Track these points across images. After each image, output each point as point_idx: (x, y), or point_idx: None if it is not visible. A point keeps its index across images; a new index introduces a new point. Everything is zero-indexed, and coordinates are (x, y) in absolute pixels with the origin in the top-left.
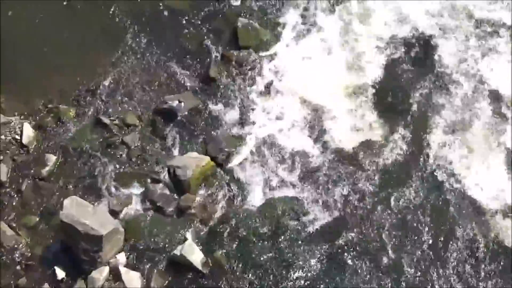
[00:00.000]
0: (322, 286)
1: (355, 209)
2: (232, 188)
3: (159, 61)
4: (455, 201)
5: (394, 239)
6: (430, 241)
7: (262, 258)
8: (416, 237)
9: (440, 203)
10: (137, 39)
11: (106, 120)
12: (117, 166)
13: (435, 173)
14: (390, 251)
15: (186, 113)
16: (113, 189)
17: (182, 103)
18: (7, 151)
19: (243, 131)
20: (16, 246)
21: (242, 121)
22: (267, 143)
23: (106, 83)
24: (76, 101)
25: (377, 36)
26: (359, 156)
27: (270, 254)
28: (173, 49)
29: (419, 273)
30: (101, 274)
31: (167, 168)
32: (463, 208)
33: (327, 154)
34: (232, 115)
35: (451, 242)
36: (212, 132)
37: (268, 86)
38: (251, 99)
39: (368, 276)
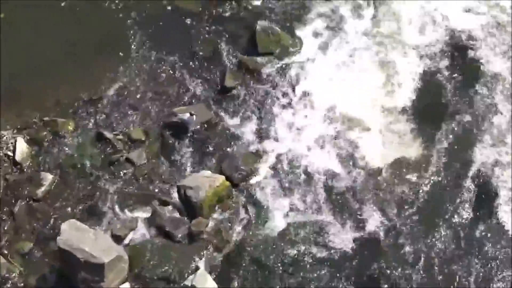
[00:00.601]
0: None
1: (387, 236)
2: (249, 211)
3: (168, 69)
4: (504, 232)
5: (431, 275)
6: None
7: None
8: (455, 274)
9: (486, 233)
10: (144, 45)
11: (109, 135)
12: (121, 186)
13: (480, 195)
14: None
15: (198, 127)
16: (116, 212)
17: (194, 116)
18: None
19: (263, 147)
20: (8, 275)
21: (261, 136)
22: (289, 161)
23: (110, 93)
24: (76, 113)
25: (410, 42)
26: (393, 176)
27: (293, 285)
28: (184, 56)
29: None
30: None
31: (176, 189)
32: None
33: (357, 173)
34: (250, 129)
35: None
36: (228, 149)
37: (290, 98)
38: (271, 112)
39: None
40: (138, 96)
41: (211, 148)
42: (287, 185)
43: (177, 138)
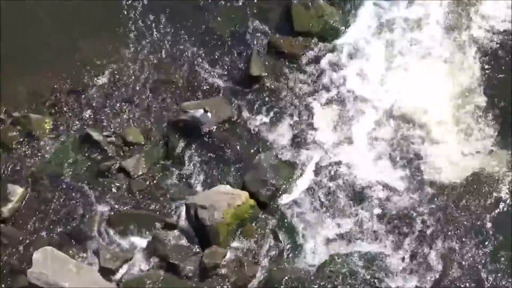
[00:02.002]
0: None
1: (462, 273)
2: (280, 238)
3: (177, 52)
4: None
5: None
6: None
7: None
8: None
9: None
10: (146, 21)
11: (97, 137)
12: (113, 203)
13: None
14: None
15: (215, 127)
16: (106, 237)
17: (209, 113)
18: None
19: (298, 155)
20: None
21: (297, 141)
22: (333, 173)
23: (100, 82)
24: (55, 107)
25: (489, 25)
26: (469, 194)
27: None
28: (197, 35)
29: None
30: None
31: (185, 208)
32: None
33: (421, 190)
34: (282, 131)
35: None
36: (253, 156)
37: (336, 91)
38: (310, 109)
39: None
40: (136, 86)
41: (231, 156)
42: (329, 204)
43: (186, 142)
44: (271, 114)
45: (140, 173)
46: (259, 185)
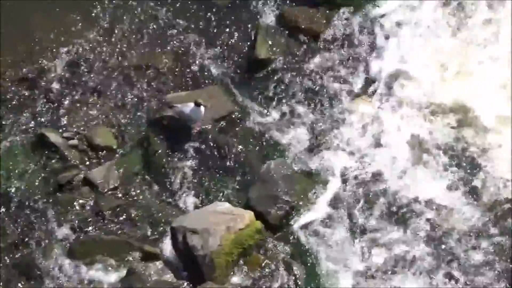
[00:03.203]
0: None
1: None
2: (295, 271)
3: (160, 28)
4: None
5: None
6: None
7: None
8: None
9: None
10: None
11: (55, 139)
12: (76, 225)
13: None
14: None
15: (209, 126)
16: (67, 271)
17: (202, 108)
18: None
19: (318, 163)
20: None
21: (317, 145)
22: (365, 187)
23: (59, 67)
24: None
25: None
26: None
27: None
28: (188, 8)
29: None
30: None
31: (171, 233)
32: None
33: (480, 208)
34: (297, 132)
35: None
36: (260, 165)
37: (370, 80)
38: (334, 103)
39: None
40: (107, 73)
41: (231, 164)
42: (360, 227)
43: (172, 146)
44: (283, 108)
45: (111, 186)
46: (268, 202)
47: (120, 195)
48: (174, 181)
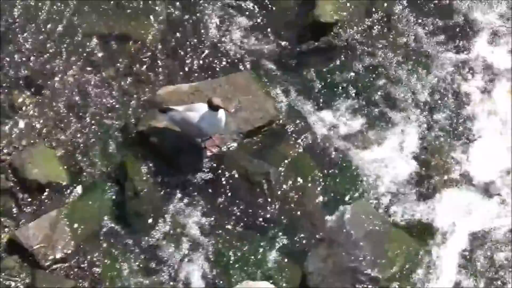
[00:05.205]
0: None
1: None
2: None
3: None
4: None
5: None
6: None
7: None
8: None
9: None
10: None
11: None
12: None
13: None
14: None
15: (235, 144)
16: None
17: (222, 112)
18: None
19: (433, 209)
20: None
21: (429, 176)
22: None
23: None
24: None
25: None
26: None
27: None
28: None
29: None
30: None
31: None
32: None
33: None
34: (394, 154)
35: None
36: (325, 214)
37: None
38: (466, 99)
39: None
40: (63, 55)
41: (272, 212)
42: None
43: (166, 181)
44: (363, 110)
45: (59, 255)
46: (342, 279)
47: (71, 272)
48: (169, 249)
